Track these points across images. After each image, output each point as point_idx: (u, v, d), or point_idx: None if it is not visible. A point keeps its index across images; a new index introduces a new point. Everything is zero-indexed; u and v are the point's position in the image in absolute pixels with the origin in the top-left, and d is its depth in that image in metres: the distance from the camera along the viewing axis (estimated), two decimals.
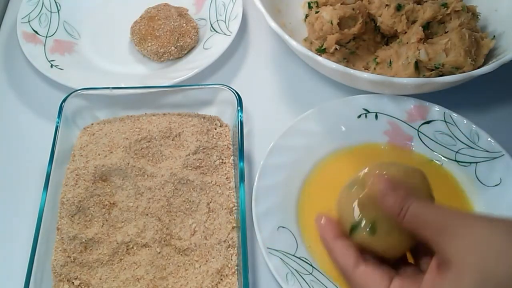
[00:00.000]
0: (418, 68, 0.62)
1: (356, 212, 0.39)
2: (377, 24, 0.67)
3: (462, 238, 0.34)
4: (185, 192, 0.57)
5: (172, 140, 0.61)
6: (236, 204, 0.56)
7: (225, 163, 0.60)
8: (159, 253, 0.53)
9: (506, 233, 0.33)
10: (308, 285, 0.51)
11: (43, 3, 0.75)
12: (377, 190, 0.37)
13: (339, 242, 0.38)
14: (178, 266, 0.53)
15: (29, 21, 0.73)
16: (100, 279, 0.52)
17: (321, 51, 0.66)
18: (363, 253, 0.38)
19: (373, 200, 0.38)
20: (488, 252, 0.33)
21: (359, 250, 0.38)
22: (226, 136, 0.62)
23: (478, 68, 0.60)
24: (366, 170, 0.41)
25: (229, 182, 0.58)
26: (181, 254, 0.54)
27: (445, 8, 0.64)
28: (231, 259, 0.53)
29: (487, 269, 0.32)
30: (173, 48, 0.70)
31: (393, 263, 0.39)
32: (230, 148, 0.61)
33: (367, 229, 0.38)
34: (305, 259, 0.53)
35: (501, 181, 0.57)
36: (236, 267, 0.52)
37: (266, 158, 0.59)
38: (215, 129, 0.62)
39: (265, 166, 0.58)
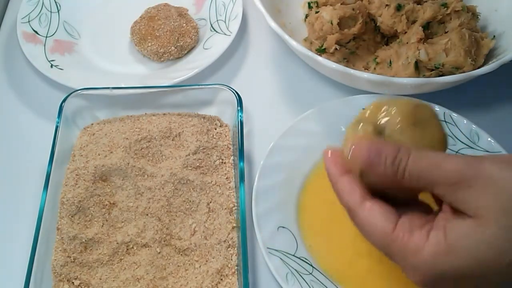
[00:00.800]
0: (418, 68, 0.62)
1: None
2: (377, 24, 0.67)
3: (481, 188, 0.32)
4: (185, 192, 0.57)
5: (172, 140, 0.61)
6: (236, 204, 0.56)
7: (225, 163, 0.60)
8: (159, 253, 0.53)
9: None
10: (308, 285, 0.51)
11: (43, 3, 0.75)
12: (360, 161, 0.35)
13: (345, 178, 0.37)
14: (178, 266, 0.53)
15: (29, 21, 0.73)
16: (100, 279, 0.52)
17: (321, 51, 0.66)
18: (370, 192, 0.36)
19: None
20: (507, 203, 0.31)
21: (367, 189, 0.36)
22: (226, 136, 0.62)
23: (478, 68, 0.60)
24: (371, 106, 0.38)
25: (229, 182, 0.58)
26: (181, 254, 0.54)
27: (445, 8, 0.64)
28: (231, 259, 0.53)
29: (507, 220, 0.31)
30: (173, 48, 0.70)
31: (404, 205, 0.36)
32: (230, 148, 0.61)
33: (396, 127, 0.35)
34: (305, 259, 0.53)
35: None
36: (236, 267, 0.52)
37: (266, 158, 0.59)
38: (215, 129, 0.62)
39: (265, 166, 0.58)
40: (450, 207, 0.34)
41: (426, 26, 0.64)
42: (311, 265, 0.53)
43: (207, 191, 0.57)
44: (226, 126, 0.63)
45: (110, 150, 0.59)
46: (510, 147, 0.58)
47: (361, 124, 0.37)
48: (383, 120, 0.37)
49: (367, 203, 0.35)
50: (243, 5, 0.74)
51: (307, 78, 0.70)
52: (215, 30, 0.73)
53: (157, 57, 0.70)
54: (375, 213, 0.34)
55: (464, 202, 0.32)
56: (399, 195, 0.36)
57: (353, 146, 0.36)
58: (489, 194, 0.32)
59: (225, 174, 0.59)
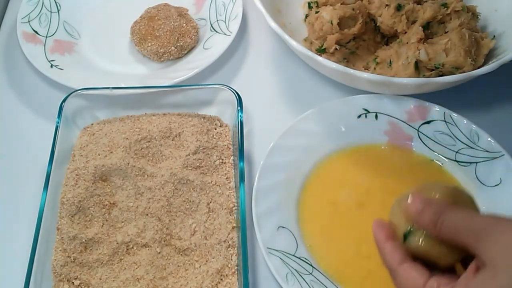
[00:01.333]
0: (418, 68, 0.62)
1: (407, 223, 0.42)
2: (377, 24, 0.67)
3: (496, 240, 0.36)
4: (185, 192, 0.57)
5: (172, 140, 0.61)
6: (236, 204, 0.56)
7: (225, 163, 0.60)
8: (159, 253, 0.53)
9: None
10: (308, 285, 0.51)
11: (43, 3, 0.75)
12: (412, 210, 0.41)
13: (389, 242, 0.42)
14: (178, 266, 0.53)
15: (29, 21, 0.73)
16: (100, 279, 0.52)
17: (321, 51, 0.66)
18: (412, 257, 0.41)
19: None
20: None
21: (410, 256, 0.41)
22: (226, 136, 0.62)
23: (478, 68, 0.60)
24: (419, 188, 0.44)
25: (229, 182, 0.58)
26: (181, 254, 0.54)
27: (445, 8, 0.64)
28: (231, 259, 0.53)
29: None
30: (173, 48, 0.70)
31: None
32: (230, 148, 0.61)
33: (420, 238, 0.41)
34: (305, 259, 0.53)
35: (501, 181, 0.57)
36: (236, 267, 0.52)
37: (266, 158, 0.59)
38: (215, 129, 0.62)
39: (265, 166, 0.58)
40: (475, 266, 0.37)
41: (426, 26, 0.64)
42: (311, 265, 0.53)
43: (207, 191, 0.57)
44: (226, 126, 0.63)
45: (110, 150, 0.59)
46: (510, 147, 0.58)
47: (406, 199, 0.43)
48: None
49: (406, 263, 0.41)
50: (243, 5, 0.74)
51: (307, 78, 0.70)
52: (215, 30, 0.73)
53: (157, 57, 0.70)
54: (411, 270, 0.40)
55: (485, 251, 0.36)
56: (439, 263, 0.41)
57: (411, 198, 0.42)
58: (501, 247, 0.36)
59: (225, 174, 0.59)
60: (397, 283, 0.41)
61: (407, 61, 0.62)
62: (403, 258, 0.41)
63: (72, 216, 0.55)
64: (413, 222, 0.41)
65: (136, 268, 0.52)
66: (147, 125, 0.62)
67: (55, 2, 0.76)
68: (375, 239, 0.44)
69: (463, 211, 0.40)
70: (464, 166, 0.59)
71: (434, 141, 0.61)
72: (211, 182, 0.58)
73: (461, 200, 0.42)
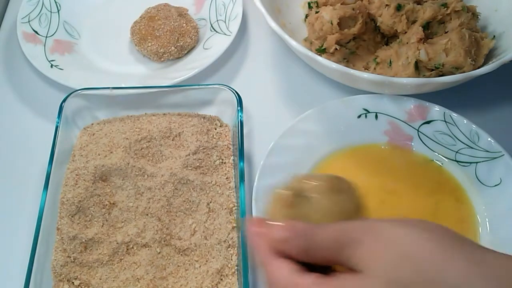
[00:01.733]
0: (418, 68, 0.62)
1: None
2: (377, 24, 0.67)
3: (365, 246, 0.34)
4: (185, 192, 0.57)
5: (172, 140, 0.61)
6: (236, 204, 0.56)
7: (225, 163, 0.60)
8: (159, 253, 0.53)
9: (409, 235, 0.34)
10: None
11: (43, 3, 0.75)
12: (276, 239, 0.37)
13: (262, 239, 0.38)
14: (178, 266, 0.53)
15: (29, 21, 0.73)
16: (100, 279, 0.52)
17: (321, 51, 0.66)
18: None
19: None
20: (392, 256, 0.33)
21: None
22: (226, 136, 0.62)
23: (478, 68, 0.60)
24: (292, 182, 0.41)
25: (229, 182, 0.58)
26: (181, 254, 0.54)
27: (445, 8, 0.64)
28: (231, 259, 0.53)
29: (390, 273, 0.32)
30: (173, 48, 0.70)
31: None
32: (230, 148, 0.61)
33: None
34: None
35: (501, 181, 0.57)
36: (236, 267, 0.52)
37: (266, 158, 0.59)
38: (215, 129, 0.62)
39: (265, 166, 0.58)
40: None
41: (426, 26, 0.64)
42: None
43: (207, 191, 0.57)
44: (226, 126, 0.63)
45: (110, 150, 0.59)
46: (510, 147, 0.58)
47: (283, 189, 0.41)
48: (304, 186, 0.41)
49: (281, 258, 0.37)
50: (243, 5, 0.74)
51: (307, 78, 0.70)
52: (215, 30, 0.73)
53: (157, 57, 0.70)
54: (284, 264, 0.36)
55: (352, 258, 0.34)
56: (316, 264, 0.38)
57: (273, 225, 0.38)
58: (378, 249, 0.33)
59: (225, 174, 0.59)
60: (269, 276, 0.37)
61: (407, 61, 0.62)
62: (278, 254, 0.38)
63: (72, 216, 0.55)
64: (280, 251, 0.37)
65: (136, 268, 0.53)
66: (147, 125, 0.62)
67: (55, 2, 0.76)
68: (249, 236, 0.40)
69: (331, 227, 0.36)
70: (464, 166, 0.59)
71: (434, 141, 0.61)
72: (211, 182, 0.58)
73: (340, 187, 0.40)
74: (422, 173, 0.60)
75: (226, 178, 0.58)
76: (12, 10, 0.79)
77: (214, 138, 0.61)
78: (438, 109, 0.62)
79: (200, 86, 0.64)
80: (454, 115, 0.61)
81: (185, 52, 0.71)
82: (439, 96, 0.63)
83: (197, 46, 0.72)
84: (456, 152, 0.60)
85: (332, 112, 0.63)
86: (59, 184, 0.57)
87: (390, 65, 0.64)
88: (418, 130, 0.62)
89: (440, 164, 0.60)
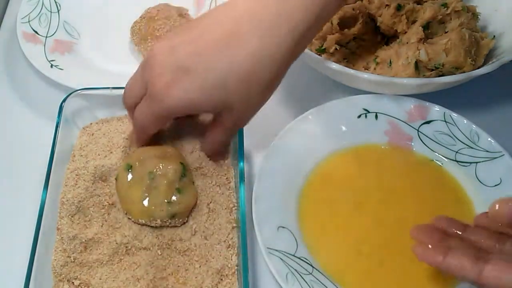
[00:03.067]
0: (418, 68, 0.62)
1: None
2: (377, 24, 0.67)
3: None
4: None
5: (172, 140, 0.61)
6: (236, 204, 0.56)
7: (225, 163, 0.59)
8: (160, 254, 0.53)
9: None
10: (308, 285, 0.51)
11: (43, 3, 0.75)
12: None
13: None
14: (178, 266, 0.53)
15: (29, 21, 0.73)
16: (100, 279, 0.52)
17: (321, 51, 0.66)
18: None
19: None
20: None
21: None
22: None
23: (478, 68, 0.60)
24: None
25: (229, 182, 0.58)
26: (181, 255, 0.54)
27: (445, 8, 0.64)
28: (231, 259, 0.52)
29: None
30: None
31: None
32: (230, 148, 0.60)
33: None
34: (305, 259, 0.53)
35: (501, 181, 0.57)
36: (236, 267, 0.52)
37: (266, 158, 0.59)
38: None
39: (264, 166, 0.58)
40: None
41: (426, 26, 0.64)
42: (311, 265, 0.53)
43: (207, 191, 0.57)
44: None
45: (110, 150, 0.59)
46: (510, 147, 0.58)
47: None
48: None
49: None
50: None
51: (307, 78, 0.70)
52: None
53: None
54: None
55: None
56: None
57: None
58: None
59: (225, 174, 0.58)
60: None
61: (407, 61, 0.62)
62: None
63: (72, 216, 0.55)
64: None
65: (136, 268, 0.52)
66: None
67: (55, 2, 0.76)
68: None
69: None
70: (464, 166, 0.59)
71: (434, 141, 0.61)
72: (211, 182, 0.58)
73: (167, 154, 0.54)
74: (422, 173, 0.60)
75: (226, 178, 0.58)
76: (12, 10, 0.79)
77: None
78: (438, 109, 0.62)
79: None
80: (454, 115, 0.61)
81: None
82: (439, 96, 0.63)
83: None
84: (456, 152, 0.60)
85: (332, 112, 0.63)
86: (59, 184, 0.57)
87: (390, 65, 0.64)
88: (418, 130, 0.62)
89: (440, 164, 0.60)
